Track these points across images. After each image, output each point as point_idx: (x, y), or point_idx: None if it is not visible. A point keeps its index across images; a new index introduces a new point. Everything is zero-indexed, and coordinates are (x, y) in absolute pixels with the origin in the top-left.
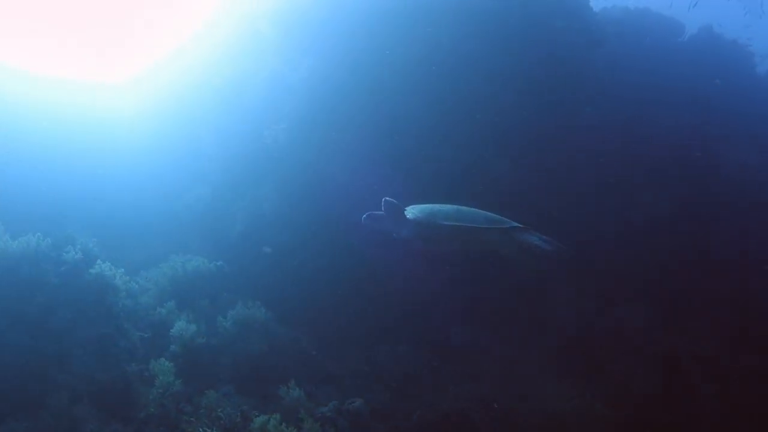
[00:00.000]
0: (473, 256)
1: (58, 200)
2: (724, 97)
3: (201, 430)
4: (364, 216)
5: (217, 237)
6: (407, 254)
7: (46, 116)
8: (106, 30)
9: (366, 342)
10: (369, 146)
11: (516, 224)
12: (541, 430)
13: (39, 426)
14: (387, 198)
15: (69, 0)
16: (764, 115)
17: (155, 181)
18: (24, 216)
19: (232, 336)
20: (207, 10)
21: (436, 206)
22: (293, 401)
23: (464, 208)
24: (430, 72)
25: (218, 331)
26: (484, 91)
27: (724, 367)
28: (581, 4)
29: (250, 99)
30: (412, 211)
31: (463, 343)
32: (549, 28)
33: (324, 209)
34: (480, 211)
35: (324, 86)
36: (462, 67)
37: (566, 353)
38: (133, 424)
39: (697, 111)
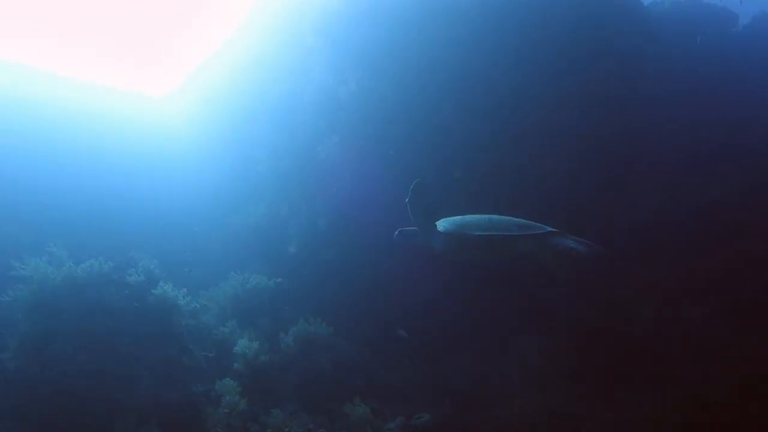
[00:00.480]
0: (512, 264)
1: (115, 221)
2: None
3: None
4: (396, 232)
5: (273, 253)
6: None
7: (98, 134)
8: (153, 46)
9: (429, 355)
10: (421, 158)
11: (550, 229)
12: None
13: None
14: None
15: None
16: None
17: (210, 200)
18: (85, 239)
19: (295, 353)
20: (254, 28)
21: (467, 217)
22: (359, 418)
23: (496, 216)
24: (479, 78)
25: (281, 349)
26: (537, 94)
27: None
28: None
29: (300, 114)
30: (442, 224)
31: (524, 353)
32: (601, 26)
33: (378, 223)
34: (513, 218)
35: (373, 98)
36: (513, 71)
37: (634, 358)
38: None
39: (755, 103)
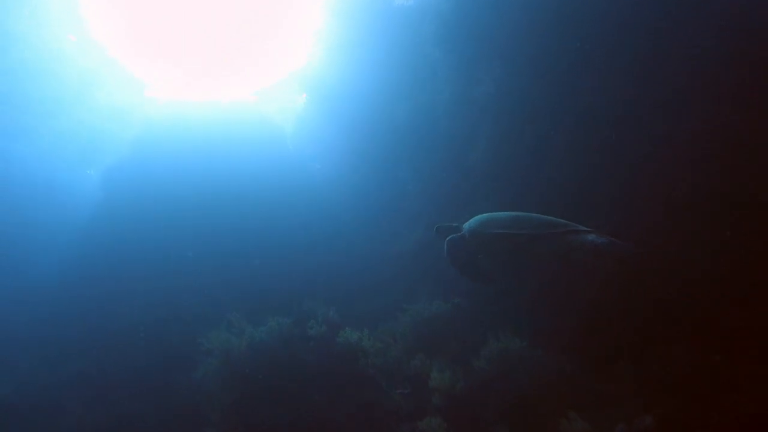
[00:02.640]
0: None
1: (280, 272)
2: None
3: None
4: (435, 228)
5: (441, 274)
6: None
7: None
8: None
9: (630, 350)
10: (576, 157)
11: (578, 227)
12: None
13: None
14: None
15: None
16: None
17: (364, 229)
18: (254, 296)
19: (491, 374)
20: (371, 44)
21: (494, 214)
22: None
23: (523, 214)
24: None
25: (476, 372)
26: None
27: None
28: None
29: (438, 125)
30: (469, 223)
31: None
32: None
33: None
34: (542, 216)
35: (514, 96)
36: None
37: None
38: None
39: None
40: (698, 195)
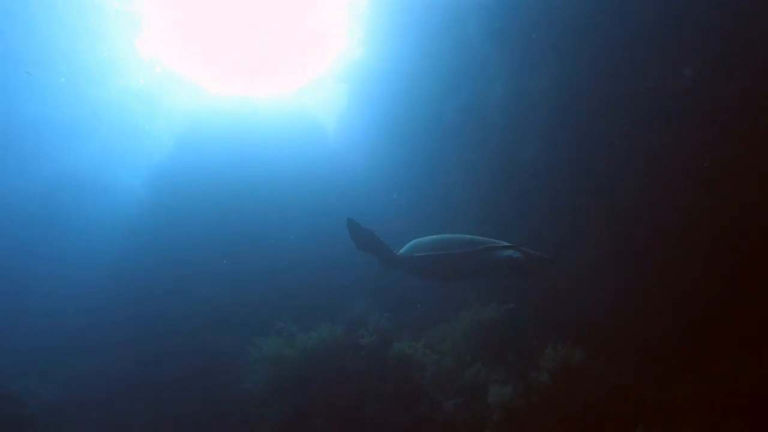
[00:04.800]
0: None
1: (328, 275)
2: None
3: None
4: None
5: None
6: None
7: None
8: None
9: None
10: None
11: (498, 244)
12: None
13: None
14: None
15: None
16: None
17: (412, 230)
18: (303, 300)
19: (552, 388)
20: (415, 39)
21: (421, 239)
22: None
23: (448, 236)
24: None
25: (536, 386)
26: None
27: None
28: None
29: (489, 121)
30: (404, 249)
31: None
32: None
33: (610, 225)
34: (466, 236)
35: (571, 92)
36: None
37: None
38: None
39: None
40: None
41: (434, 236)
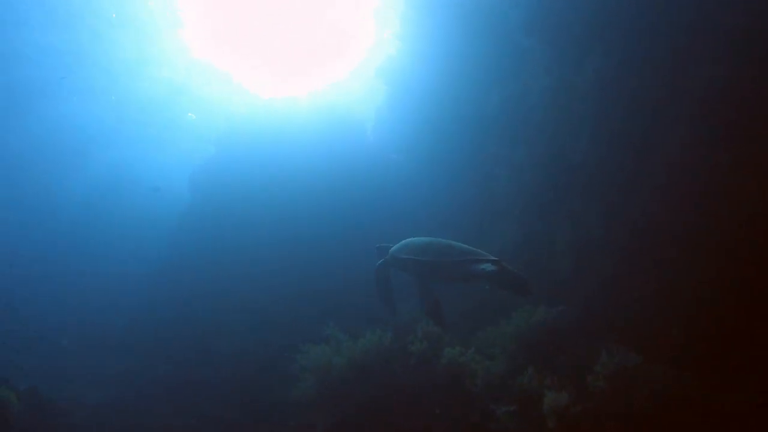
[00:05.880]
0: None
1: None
2: None
3: None
4: (376, 247)
5: (541, 276)
6: None
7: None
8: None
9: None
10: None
11: (480, 256)
12: None
13: None
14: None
15: None
16: None
17: (453, 228)
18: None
19: (608, 394)
20: (453, 32)
21: (412, 240)
22: None
23: (437, 241)
24: None
25: (592, 391)
26: None
27: None
28: None
29: (532, 116)
30: (395, 247)
31: None
32: None
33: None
34: (455, 244)
35: (621, 86)
36: None
37: None
38: None
39: None
40: None
41: (424, 239)
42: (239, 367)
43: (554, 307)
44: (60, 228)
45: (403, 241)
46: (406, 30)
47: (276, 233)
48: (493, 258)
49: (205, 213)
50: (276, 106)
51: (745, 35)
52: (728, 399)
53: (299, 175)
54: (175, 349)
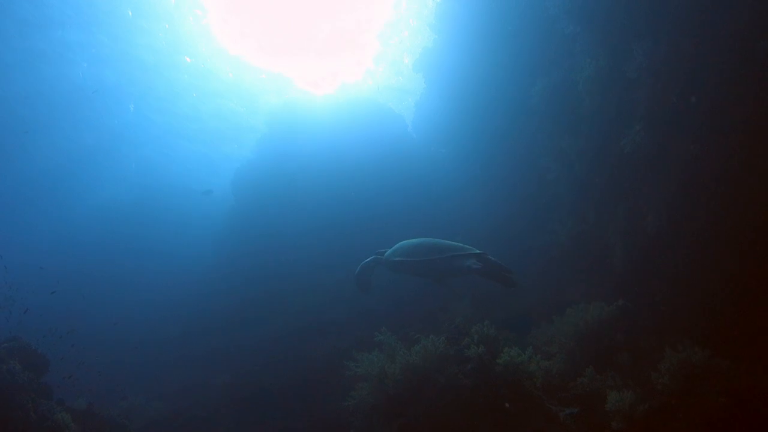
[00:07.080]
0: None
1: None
2: None
3: None
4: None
5: (595, 271)
6: None
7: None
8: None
9: None
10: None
11: (467, 252)
12: None
13: None
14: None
15: None
16: None
17: (502, 222)
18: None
19: (677, 393)
20: (493, 21)
21: (403, 243)
22: None
23: (427, 241)
24: None
25: (658, 390)
26: None
27: None
28: None
29: (580, 105)
30: (387, 252)
31: None
32: None
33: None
34: (443, 242)
35: (676, 70)
36: None
37: None
38: None
39: None
40: None
41: (413, 241)
42: (295, 376)
43: (611, 303)
44: (111, 242)
45: (396, 245)
46: (442, 23)
47: (329, 237)
48: (478, 252)
49: (256, 217)
50: (318, 103)
51: None
52: None
53: (347, 176)
54: (231, 356)
